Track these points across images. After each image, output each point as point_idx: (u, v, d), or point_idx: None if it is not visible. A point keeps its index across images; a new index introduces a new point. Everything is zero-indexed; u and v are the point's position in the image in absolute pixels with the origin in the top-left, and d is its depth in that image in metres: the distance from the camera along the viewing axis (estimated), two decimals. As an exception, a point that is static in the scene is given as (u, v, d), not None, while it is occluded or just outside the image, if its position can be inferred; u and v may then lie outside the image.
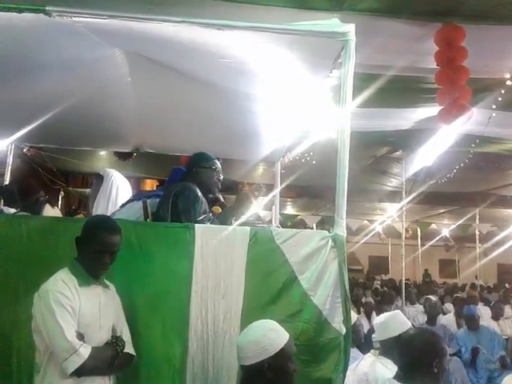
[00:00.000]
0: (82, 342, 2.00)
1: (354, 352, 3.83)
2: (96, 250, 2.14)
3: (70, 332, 1.98)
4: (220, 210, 3.11)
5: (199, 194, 2.86)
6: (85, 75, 3.05)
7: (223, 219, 2.80)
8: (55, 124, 3.56)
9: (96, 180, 3.53)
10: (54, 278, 2.08)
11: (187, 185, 2.89)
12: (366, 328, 5.51)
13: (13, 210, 3.87)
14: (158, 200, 2.94)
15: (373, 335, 3.69)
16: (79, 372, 1.98)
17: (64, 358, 1.96)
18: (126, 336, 2.20)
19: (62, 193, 10.26)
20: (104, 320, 2.15)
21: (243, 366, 2.03)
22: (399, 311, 3.64)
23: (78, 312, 2.04)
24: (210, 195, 3.06)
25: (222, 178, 3.16)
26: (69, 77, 3.03)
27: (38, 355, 2.07)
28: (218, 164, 3.15)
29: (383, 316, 3.39)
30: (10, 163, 4.79)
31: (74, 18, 2.22)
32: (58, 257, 2.35)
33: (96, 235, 2.15)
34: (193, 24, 2.28)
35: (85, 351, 1.99)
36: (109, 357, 2.08)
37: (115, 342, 2.12)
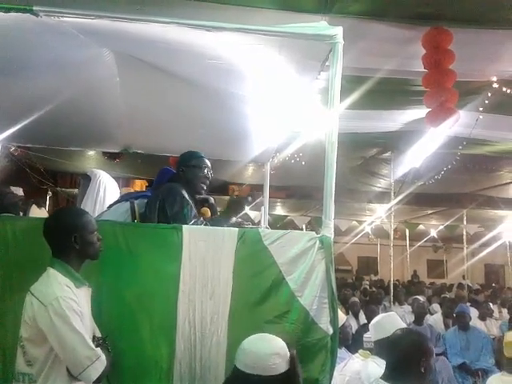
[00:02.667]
0: (99, 348, 1.97)
1: (342, 352, 3.85)
2: (93, 230, 2.12)
3: (88, 339, 1.93)
4: (209, 212, 3.10)
5: (186, 196, 2.82)
6: (73, 75, 3.03)
7: (216, 224, 2.73)
8: (43, 124, 3.53)
9: (83, 180, 3.51)
10: (55, 282, 1.98)
11: (174, 187, 2.84)
12: (354, 328, 5.54)
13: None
14: (145, 201, 2.93)
15: (365, 335, 3.72)
16: (100, 378, 1.93)
17: (85, 366, 1.89)
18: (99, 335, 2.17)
19: (49, 193, 10.20)
20: (91, 321, 2.12)
21: (241, 371, 1.88)
22: (394, 312, 3.68)
23: (83, 317, 1.98)
24: (198, 195, 3.04)
25: (210, 176, 3.09)
26: (57, 77, 3.01)
27: (22, 363, 1.94)
28: (207, 162, 3.07)
29: (378, 317, 3.43)
30: (-3, 163, 4.76)
31: (61, 18, 2.20)
32: (43, 258, 2.33)
33: (87, 218, 2.15)
34: (181, 25, 2.28)
35: (103, 356, 1.96)
36: (110, 359, 2.04)
37: (103, 342, 2.09)
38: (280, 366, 1.83)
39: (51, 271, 2.04)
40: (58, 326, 1.88)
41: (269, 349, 1.87)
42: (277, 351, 1.86)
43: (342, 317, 3.86)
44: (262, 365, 1.83)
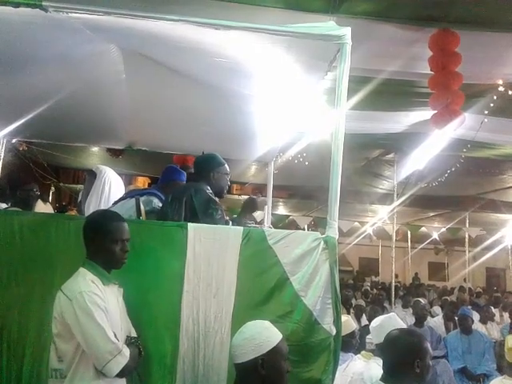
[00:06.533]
0: (122, 343, 1.98)
1: (342, 354, 3.85)
2: (117, 239, 2.12)
3: (110, 333, 1.94)
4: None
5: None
6: (79, 71, 3.04)
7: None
8: (48, 119, 3.54)
9: (89, 176, 3.51)
10: (82, 278, 2.02)
11: (204, 188, 2.86)
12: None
13: (4, 205, 3.85)
14: (151, 198, 2.93)
15: (367, 336, 3.72)
16: (123, 373, 1.96)
17: (107, 360, 1.91)
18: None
19: (52, 188, 10.21)
20: (122, 320, 2.12)
21: (238, 364, 2.03)
22: (395, 314, 3.67)
23: (107, 312, 1.99)
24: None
25: None
26: (63, 72, 3.01)
27: (54, 359, 1.98)
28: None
29: (379, 319, 3.42)
30: (2, 158, 4.76)
31: (70, 14, 2.21)
32: (50, 253, 2.34)
33: (114, 225, 2.15)
34: (189, 23, 2.27)
35: (127, 351, 1.98)
36: (136, 357, 2.07)
37: (135, 341, 2.12)
38: (248, 353, 1.98)
39: (81, 269, 2.08)
40: (81, 320, 1.91)
41: (237, 339, 2.05)
42: (241, 342, 2.02)
43: (351, 324, 3.88)
44: (233, 353, 2.07)
